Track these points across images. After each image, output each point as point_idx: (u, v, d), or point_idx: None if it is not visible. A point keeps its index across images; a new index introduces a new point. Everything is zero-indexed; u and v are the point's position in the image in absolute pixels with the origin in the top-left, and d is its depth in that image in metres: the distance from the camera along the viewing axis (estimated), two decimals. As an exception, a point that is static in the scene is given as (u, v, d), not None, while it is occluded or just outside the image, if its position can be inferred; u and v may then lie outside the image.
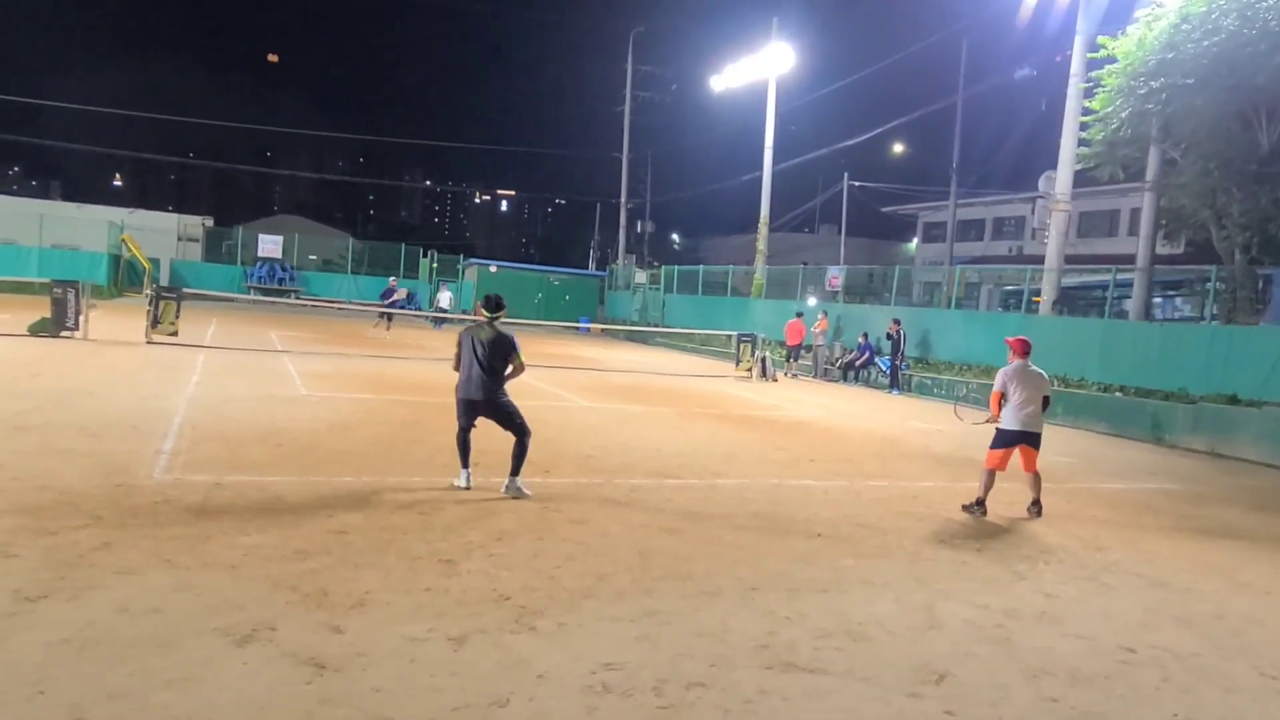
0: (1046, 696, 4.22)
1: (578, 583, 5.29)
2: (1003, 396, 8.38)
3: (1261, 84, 16.20)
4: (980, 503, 8.32)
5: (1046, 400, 8.43)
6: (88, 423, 8.89)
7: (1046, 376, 8.61)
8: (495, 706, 3.64)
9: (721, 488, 8.56)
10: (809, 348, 24.63)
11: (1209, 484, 11.63)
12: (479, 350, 7.27)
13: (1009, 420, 8.29)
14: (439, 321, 31.65)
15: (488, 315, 7.47)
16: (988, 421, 8.63)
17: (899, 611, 5.30)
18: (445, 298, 32.03)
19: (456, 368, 7.51)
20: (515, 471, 7.37)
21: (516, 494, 7.29)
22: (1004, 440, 8.32)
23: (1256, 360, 15.29)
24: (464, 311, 33.47)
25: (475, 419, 7.48)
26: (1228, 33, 16.13)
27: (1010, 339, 8.71)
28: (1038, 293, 22.24)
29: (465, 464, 7.52)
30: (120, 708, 3.39)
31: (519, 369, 7.51)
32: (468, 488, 7.40)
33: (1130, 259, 23.93)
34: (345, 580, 4.98)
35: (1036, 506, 8.42)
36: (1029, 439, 8.30)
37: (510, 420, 7.44)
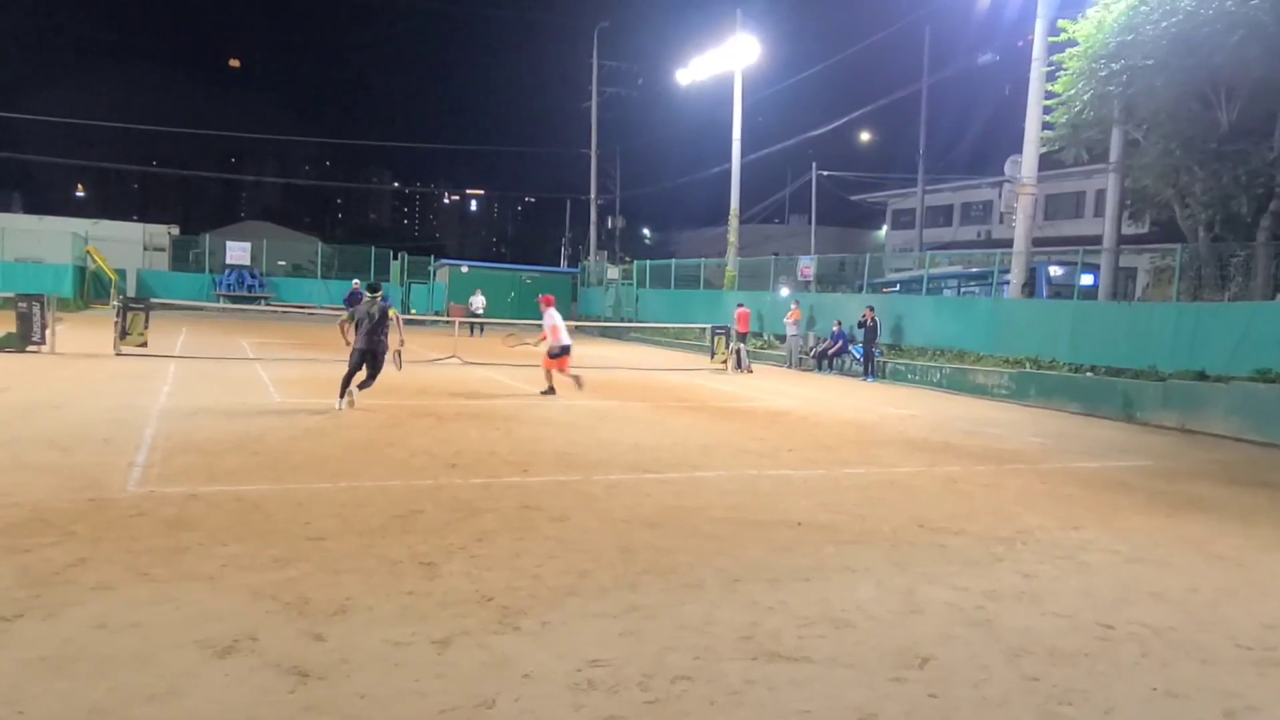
0: (1028, 675, 4.27)
1: (560, 580, 5.29)
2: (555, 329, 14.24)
3: (1219, 63, 16.42)
4: (553, 390, 14.20)
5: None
6: (58, 437, 8.77)
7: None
8: (481, 708, 3.63)
9: (701, 480, 8.58)
10: (769, 335, 24.72)
11: (1180, 459, 11.81)
12: (370, 319, 11.68)
13: (557, 340, 14.22)
14: (480, 329, 30.54)
15: (371, 296, 12.14)
16: (537, 344, 14.82)
17: (880, 597, 5.34)
18: (478, 302, 31.17)
19: (346, 327, 12.17)
20: (361, 387, 11.69)
21: (350, 403, 11.46)
22: (561, 352, 14.27)
23: (1222, 336, 15.53)
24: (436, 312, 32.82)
25: (363, 363, 11.67)
26: (1185, 13, 16.32)
27: (542, 297, 15.03)
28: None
29: (343, 394, 11.47)
30: (101, 725, 3.34)
31: (399, 325, 12.15)
32: (341, 410, 11.26)
33: (1097, 239, 24.24)
34: (325, 587, 4.95)
35: (577, 380, 14.29)
36: (569, 350, 14.37)
37: (375, 365, 11.81)
